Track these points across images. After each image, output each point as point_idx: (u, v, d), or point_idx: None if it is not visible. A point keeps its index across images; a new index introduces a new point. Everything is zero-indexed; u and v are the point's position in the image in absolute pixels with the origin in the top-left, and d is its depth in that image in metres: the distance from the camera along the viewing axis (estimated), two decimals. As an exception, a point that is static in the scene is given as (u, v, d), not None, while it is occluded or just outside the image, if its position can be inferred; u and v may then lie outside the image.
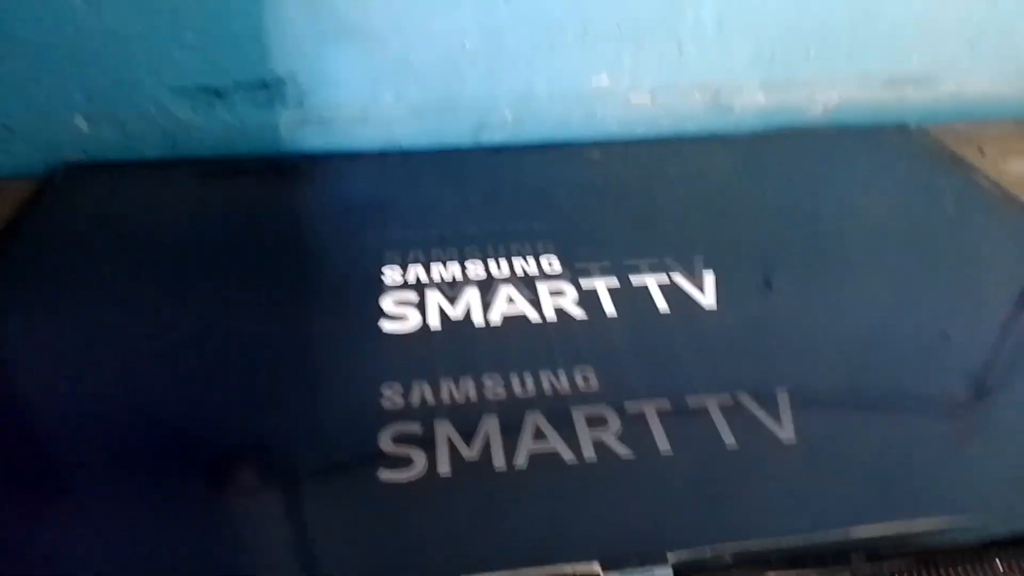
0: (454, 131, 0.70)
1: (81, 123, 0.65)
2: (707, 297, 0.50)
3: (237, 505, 0.36)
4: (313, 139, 0.68)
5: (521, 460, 0.38)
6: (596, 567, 0.32)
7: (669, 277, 0.52)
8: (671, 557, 0.32)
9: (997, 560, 0.34)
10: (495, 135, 0.71)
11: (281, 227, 0.59)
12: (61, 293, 0.51)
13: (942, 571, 0.34)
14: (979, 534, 0.34)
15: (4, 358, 0.47)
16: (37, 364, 0.45)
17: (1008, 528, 0.34)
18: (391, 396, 0.41)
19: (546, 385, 0.42)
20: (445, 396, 0.42)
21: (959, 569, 0.34)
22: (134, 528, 0.35)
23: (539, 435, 0.39)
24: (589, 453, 0.38)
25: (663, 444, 0.38)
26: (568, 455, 0.38)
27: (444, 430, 0.39)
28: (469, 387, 0.42)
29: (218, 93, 0.66)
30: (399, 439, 0.39)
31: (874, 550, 0.33)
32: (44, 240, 0.56)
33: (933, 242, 0.57)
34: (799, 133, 0.73)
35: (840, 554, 0.33)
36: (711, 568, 0.32)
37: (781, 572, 0.33)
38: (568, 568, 0.32)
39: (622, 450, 0.38)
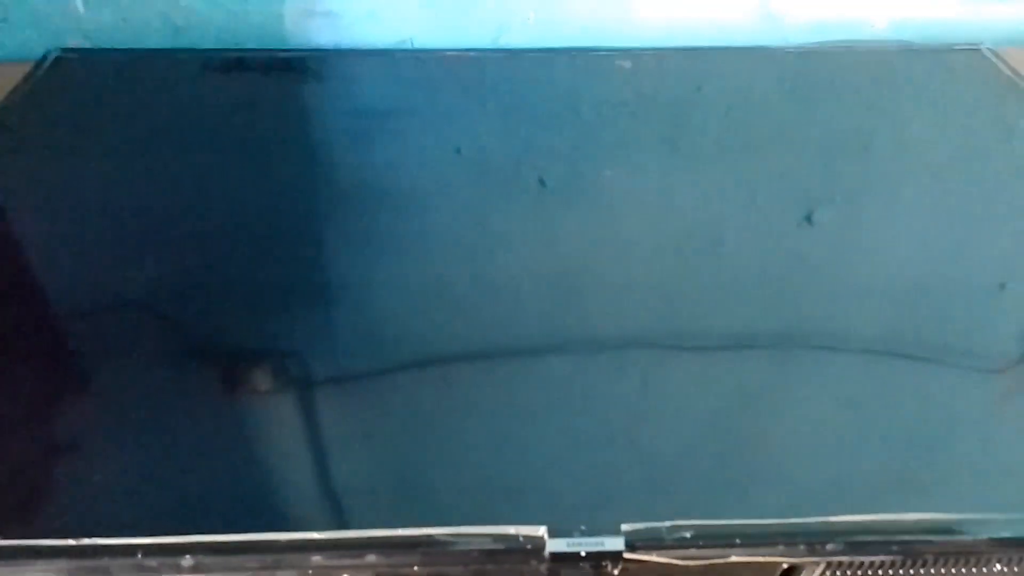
0: (472, 31, 0.65)
1: (79, 4, 0.62)
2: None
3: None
4: (321, 34, 0.64)
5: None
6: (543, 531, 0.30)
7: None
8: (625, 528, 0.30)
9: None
10: (517, 37, 0.65)
11: (284, 126, 0.56)
12: (48, 180, 0.49)
13: (928, 568, 0.31)
14: (974, 532, 0.31)
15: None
16: (33, 252, 0.45)
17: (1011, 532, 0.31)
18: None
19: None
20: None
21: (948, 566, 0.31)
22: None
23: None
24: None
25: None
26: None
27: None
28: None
29: (219, -24, 0.61)
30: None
31: (853, 539, 0.30)
32: (32, 124, 0.54)
33: (1000, 182, 0.51)
34: (856, 50, 0.65)
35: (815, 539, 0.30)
36: (668, 544, 0.30)
37: (746, 551, 0.30)
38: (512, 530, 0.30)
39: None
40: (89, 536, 0.29)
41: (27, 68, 0.59)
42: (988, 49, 0.63)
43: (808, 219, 0.48)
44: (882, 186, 0.50)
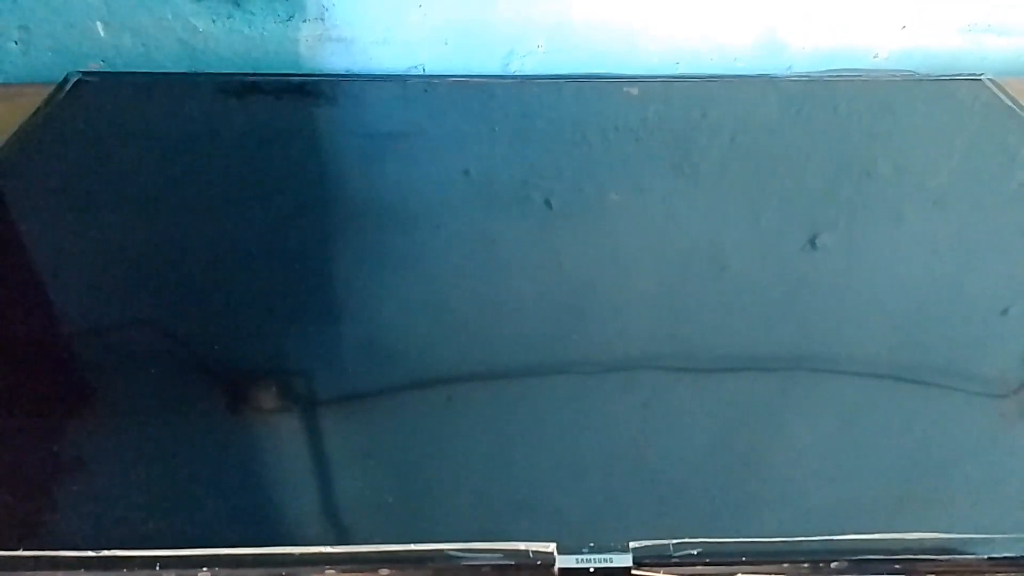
0: (482, 58, 0.66)
1: (99, 29, 0.64)
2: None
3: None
4: (334, 59, 0.66)
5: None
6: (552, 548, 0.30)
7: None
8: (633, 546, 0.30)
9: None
10: (526, 64, 0.67)
11: (297, 149, 0.57)
12: (67, 200, 0.50)
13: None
14: (976, 552, 0.31)
15: (18, 264, 0.47)
16: (48, 272, 0.46)
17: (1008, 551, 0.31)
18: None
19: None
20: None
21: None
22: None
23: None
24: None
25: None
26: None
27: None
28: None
29: (237, 3, 0.63)
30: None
31: (857, 558, 0.31)
32: (53, 146, 0.55)
33: (1001, 209, 0.52)
34: (859, 79, 0.66)
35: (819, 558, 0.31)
36: (675, 561, 0.30)
37: (752, 568, 0.31)
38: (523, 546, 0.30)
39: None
40: (108, 548, 0.30)
41: (47, 90, 0.61)
42: (989, 79, 0.64)
43: (812, 243, 0.48)
44: (885, 212, 0.51)
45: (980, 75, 0.65)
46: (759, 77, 0.66)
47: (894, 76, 0.67)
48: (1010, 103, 0.62)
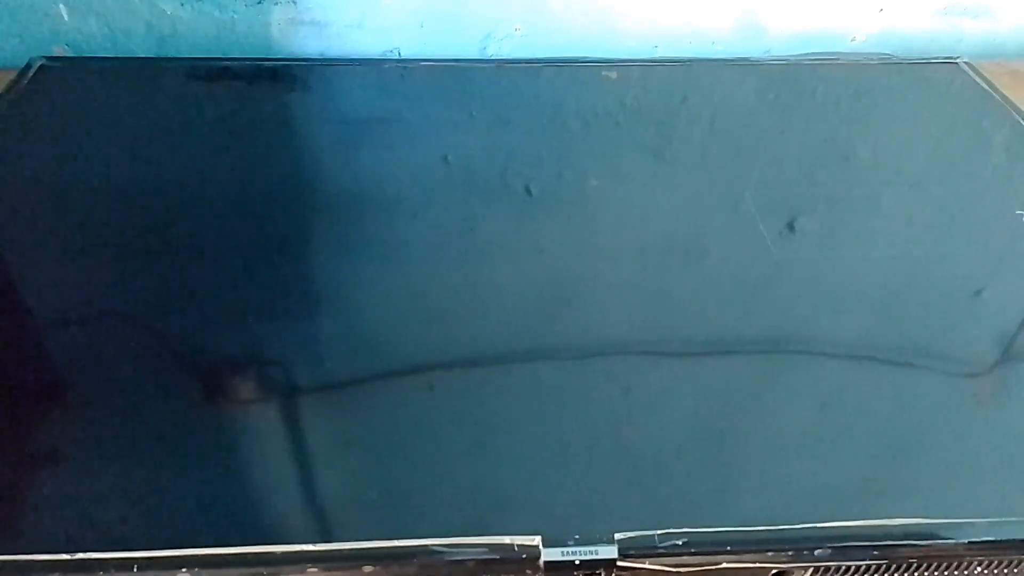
0: (459, 41, 0.65)
1: (63, 13, 0.62)
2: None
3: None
4: (307, 43, 0.64)
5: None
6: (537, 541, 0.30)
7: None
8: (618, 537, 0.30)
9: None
10: (503, 48, 0.66)
11: (270, 135, 0.56)
12: (32, 191, 0.49)
13: (912, 572, 0.32)
14: (956, 536, 0.32)
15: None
16: (17, 265, 0.45)
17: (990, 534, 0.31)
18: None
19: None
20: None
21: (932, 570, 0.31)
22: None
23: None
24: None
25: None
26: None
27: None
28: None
29: (207, -14, 0.61)
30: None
31: (840, 544, 0.31)
32: (15, 134, 0.54)
33: (976, 191, 0.52)
34: (837, 63, 0.67)
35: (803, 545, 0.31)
36: (660, 552, 0.30)
37: (736, 557, 0.31)
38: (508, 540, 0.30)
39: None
40: (83, 551, 0.29)
41: (9, 76, 0.59)
42: (965, 62, 0.65)
43: (791, 227, 0.49)
44: (862, 195, 0.51)
45: (956, 58, 0.65)
46: (738, 60, 0.66)
47: (871, 60, 0.67)
48: (985, 86, 0.62)
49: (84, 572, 0.28)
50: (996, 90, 0.62)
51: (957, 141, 0.58)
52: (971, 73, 0.64)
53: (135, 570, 0.28)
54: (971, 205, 0.51)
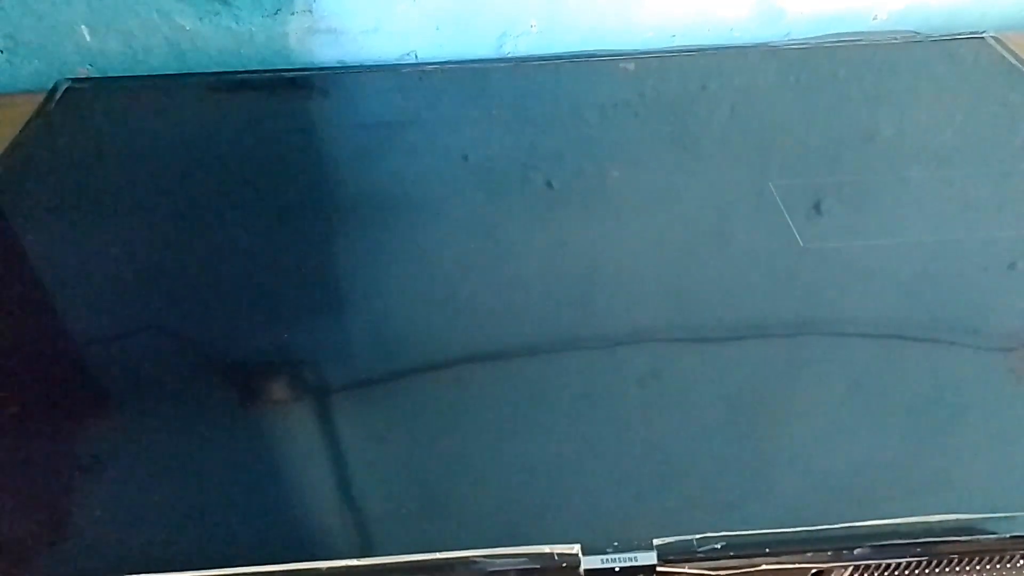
0: (475, 41, 0.65)
1: (85, 33, 0.63)
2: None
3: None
4: (324, 51, 0.64)
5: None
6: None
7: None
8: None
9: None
10: (519, 45, 0.66)
11: (292, 143, 0.57)
12: (67, 211, 0.50)
13: (954, 567, 0.31)
14: (997, 531, 0.31)
15: (26, 278, 0.46)
16: (51, 282, 0.46)
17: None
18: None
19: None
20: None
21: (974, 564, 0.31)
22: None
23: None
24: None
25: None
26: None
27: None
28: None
29: (223, 0, 0.62)
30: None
31: (880, 542, 0.31)
32: (49, 157, 0.55)
33: (1006, 166, 0.51)
34: (859, 43, 0.65)
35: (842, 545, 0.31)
36: (699, 556, 0.30)
37: (775, 559, 0.31)
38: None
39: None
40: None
41: (36, 99, 0.60)
42: (992, 36, 0.63)
43: (817, 210, 0.48)
44: (890, 175, 0.51)
45: (983, 33, 0.64)
46: (757, 46, 0.65)
47: (895, 38, 0.65)
48: (1014, 60, 0.61)
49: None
50: (1025, 63, 0.60)
51: (986, 117, 0.57)
52: (999, 47, 0.62)
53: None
54: (1001, 180, 0.50)
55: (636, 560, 0.30)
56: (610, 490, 0.34)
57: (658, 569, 0.30)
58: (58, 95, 0.60)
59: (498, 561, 0.30)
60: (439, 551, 0.30)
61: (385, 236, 0.47)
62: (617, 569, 0.30)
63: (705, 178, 0.51)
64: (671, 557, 0.30)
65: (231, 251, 0.47)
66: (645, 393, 0.38)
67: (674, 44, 0.66)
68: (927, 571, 0.32)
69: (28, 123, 0.57)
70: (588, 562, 0.30)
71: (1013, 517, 0.32)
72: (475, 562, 0.30)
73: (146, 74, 0.64)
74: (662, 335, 0.41)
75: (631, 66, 0.63)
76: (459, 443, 0.36)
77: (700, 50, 0.65)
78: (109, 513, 0.33)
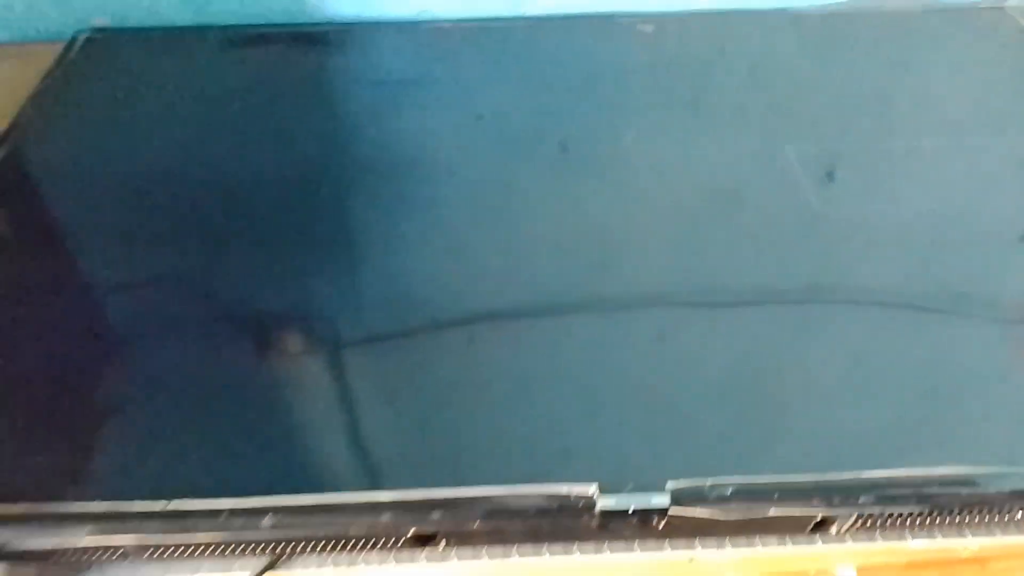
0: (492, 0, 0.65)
1: (102, -18, 0.62)
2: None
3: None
4: (342, 6, 0.64)
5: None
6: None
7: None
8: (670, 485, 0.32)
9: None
10: (536, 4, 0.65)
11: (308, 98, 0.57)
12: (85, 161, 0.51)
13: (955, 518, 0.33)
14: (997, 485, 0.33)
15: (39, 228, 0.47)
16: (69, 234, 0.46)
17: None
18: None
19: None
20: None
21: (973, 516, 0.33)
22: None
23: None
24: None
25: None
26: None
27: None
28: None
29: (242, -48, 0.61)
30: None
31: (883, 492, 0.32)
32: (71, 107, 0.55)
33: (1022, 136, 0.52)
34: (879, 11, 0.65)
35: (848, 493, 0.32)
36: (711, 500, 0.32)
37: (784, 505, 0.32)
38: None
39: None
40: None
41: (52, 48, 0.60)
42: (1013, 6, 0.63)
43: (830, 177, 0.49)
44: (905, 144, 0.51)
45: (1002, 2, 0.64)
46: (776, 11, 0.65)
47: (914, 5, 0.65)
48: (1033, 30, 0.61)
49: (177, 519, 0.31)
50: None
51: (1004, 87, 0.57)
52: (1019, 18, 0.62)
53: (223, 518, 0.31)
54: (1017, 151, 0.51)
55: (650, 502, 0.31)
56: (626, 438, 0.35)
57: (670, 513, 0.32)
58: (77, 46, 0.60)
59: (520, 499, 0.32)
60: (463, 486, 0.32)
61: (398, 193, 0.48)
62: (631, 510, 0.31)
63: (720, 142, 0.52)
64: (684, 500, 0.32)
65: (250, 205, 0.47)
66: (662, 348, 0.39)
67: (693, 6, 0.66)
68: (928, 521, 0.34)
69: (48, 74, 0.57)
70: (604, 502, 0.31)
71: (1013, 472, 0.33)
72: (498, 499, 0.32)
73: (162, 25, 0.64)
74: (675, 292, 0.42)
75: (649, 27, 0.63)
76: (479, 393, 0.37)
77: (719, 13, 0.65)
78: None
